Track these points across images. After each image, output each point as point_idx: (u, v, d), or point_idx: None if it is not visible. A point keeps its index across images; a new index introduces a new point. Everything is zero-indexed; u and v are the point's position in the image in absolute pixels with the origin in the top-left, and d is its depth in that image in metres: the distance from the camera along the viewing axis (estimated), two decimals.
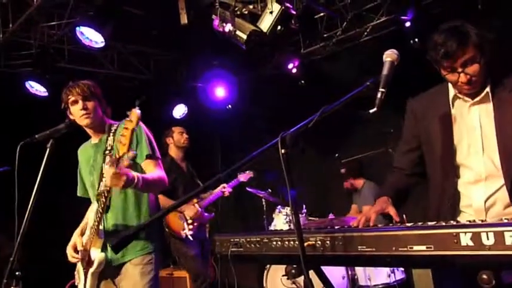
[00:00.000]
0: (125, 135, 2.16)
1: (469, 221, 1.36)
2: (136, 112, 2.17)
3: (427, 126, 2.12)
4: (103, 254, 2.47)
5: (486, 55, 1.90)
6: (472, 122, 1.99)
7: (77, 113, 2.61)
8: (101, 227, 2.48)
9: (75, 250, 2.62)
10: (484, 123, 1.97)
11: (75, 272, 2.70)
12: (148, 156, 2.57)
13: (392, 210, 1.98)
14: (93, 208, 2.57)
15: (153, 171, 2.55)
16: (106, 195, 2.39)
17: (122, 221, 2.56)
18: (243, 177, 5.17)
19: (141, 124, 2.66)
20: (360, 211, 5.74)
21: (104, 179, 2.50)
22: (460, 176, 2.01)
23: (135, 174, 2.29)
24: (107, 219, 2.55)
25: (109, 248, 2.48)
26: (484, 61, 1.89)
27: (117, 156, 2.18)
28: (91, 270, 2.49)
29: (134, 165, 2.59)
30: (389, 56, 1.72)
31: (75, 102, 2.61)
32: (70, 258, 2.63)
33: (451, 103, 2.05)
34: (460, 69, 1.89)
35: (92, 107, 2.62)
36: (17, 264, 2.25)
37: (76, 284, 2.71)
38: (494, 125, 1.93)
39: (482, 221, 1.34)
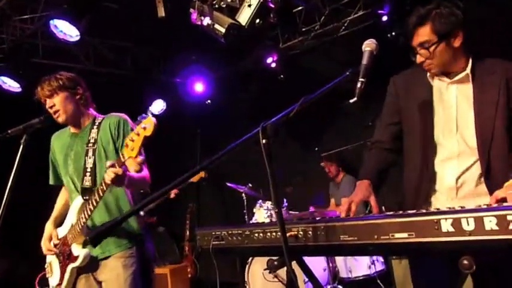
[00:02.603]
0: (135, 140, 2.12)
1: (449, 208, 1.37)
2: (153, 121, 2.08)
3: (408, 104, 2.13)
4: (88, 250, 2.43)
5: (447, 40, 1.93)
6: (449, 100, 2.03)
7: (49, 112, 2.57)
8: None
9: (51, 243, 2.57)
10: (460, 103, 2.00)
11: (46, 265, 2.65)
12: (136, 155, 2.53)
13: (373, 200, 1.97)
14: (77, 203, 2.52)
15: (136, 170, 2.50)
16: (101, 193, 2.33)
17: (107, 217, 2.51)
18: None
19: (129, 121, 2.63)
20: (337, 204, 5.80)
21: (87, 175, 2.49)
22: (436, 154, 2.04)
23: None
24: (92, 216, 2.49)
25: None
26: (443, 47, 1.93)
27: (123, 159, 2.17)
28: (73, 265, 2.45)
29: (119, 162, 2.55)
30: (369, 45, 1.72)
31: (44, 102, 2.58)
32: (45, 252, 2.59)
33: (430, 81, 2.08)
34: (417, 50, 1.97)
35: (60, 101, 2.55)
36: None
37: (47, 276, 2.66)
38: (471, 106, 1.96)
39: (461, 207, 1.35)
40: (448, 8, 1.94)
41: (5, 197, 2.33)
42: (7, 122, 2.69)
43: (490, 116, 1.93)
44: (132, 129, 2.58)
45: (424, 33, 1.94)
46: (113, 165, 2.18)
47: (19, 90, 5.45)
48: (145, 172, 2.52)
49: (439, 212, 1.31)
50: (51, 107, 2.56)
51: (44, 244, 2.59)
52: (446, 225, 1.27)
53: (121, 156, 2.18)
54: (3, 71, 5.41)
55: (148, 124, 2.05)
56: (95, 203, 2.36)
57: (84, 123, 2.66)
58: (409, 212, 1.41)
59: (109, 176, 2.18)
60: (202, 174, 5.01)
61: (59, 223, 2.66)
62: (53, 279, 2.58)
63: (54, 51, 5.82)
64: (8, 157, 2.55)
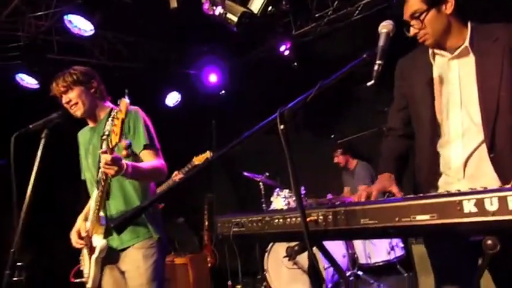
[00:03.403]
0: (116, 124, 2.16)
1: (471, 188, 1.35)
2: (124, 101, 2.13)
3: (411, 85, 2.10)
4: (105, 241, 2.46)
5: (437, 7, 1.91)
6: (451, 77, 1.97)
7: (66, 107, 2.61)
8: (101, 214, 2.46)
9: (80, 236, 2.60)
10: (463, 77, 1.94)
11: (81, 257, 2.70)
12: (145, 146, 2.53)
13: (395, 189, 1.95)
14: (94, 195, 2.56)
15: (150, 160, 2.52)
16: (103, 183, 2.38)
17: (124, 206, 2.54)
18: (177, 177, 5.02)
19: (141, 113, 2.63)
20: (353, 193, 5.77)
21: (101, 167, 2.50)
22: (440, 135, 1.99)
23: (124, 162, 2.28)
24: (109, 206, 2.53)
25: (114, 235, 2.48)
26: (434, 14, 1.91)
27: (111, 146, 2.19)
28: (93, 256, 2.49)
29: (132, 154, 2.56)
30: (385, 27, 1.70)
31: (60, 97, 2.60)
32: (74, 244, 2.62)
33: (431, 60, 2.04)
34: (410, 22, 1.96)
35: (76, 96, 2.57)
36: (18, 254, 2.25)
37: (81, 269, 2.70)
38: (474, 79, 1.90)
39: (484, 188, 1.33)
40: None
41: (29, 190, 2.38)
42: (27, 118, 2.74)
43: (494, 87, 1.86)
44: (144, 122, 2.59)
45: (414, 3, 1.93)
46: (105, 152, 2.20)
47: (37, 86, 5.53)
48: (159, 162, 2.53)
49: (462, 193, 1.30)
50: (67, 102, 2.59)
51: (72, 236, 2.63)
52: (469, 206, 1.26)
53: (109, 143, 2.20)
54: (20, 68, 5.48)
55: (122, 106, 2.13)
56: (100, 193, 2.40)
57: (100, 116, 2.68)
58: (431, 193, 1.40)
59: (102, 163, 2.21)
60: (207, 154, 4.99)
61: None
62: (85, 270, 2.64)
63: (69, 46, 5.88)
64: (25, 152, 2.58)
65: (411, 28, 1.96)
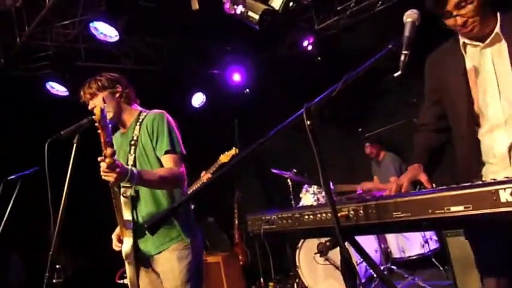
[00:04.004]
0: (99, 133, 2.18)
1: (507, 177, 1.31)
2: (97, 108, 2.15)
3: (443, 79, 2.06)
4: (129, 245, 2.48)
5: None
6: (485, 65, 1.93)
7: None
8: (126, 218, 2.49)
9: (119, 239, 2.61)
10: (497, 65, 1.90)
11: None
12: (166, 152, 2.52)
13: (423, 177, 1.93)
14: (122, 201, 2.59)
15: (168, 167, 2.51)
16: (111, 189, 2.40)
17: (155, 208, 2.55)
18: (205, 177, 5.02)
19: (166, 117, 2.61)
20: (382, 182, 5.69)
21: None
22: (481, 125, 1.95)
23: (129, 168, 2.29)
24: (140, 209, 2.55)
25: (147, 238, 2.50)
26: (481, 1, 1.83)
27: (105, 152, 2.20)
28: (124, 259, 2.52)
29: (157, 160, 2.57)
30: (410, 16, 1.66)
31: (88, 104, 2.65)
32: (114, 247, 2.64)
33: (463, 51, 1.99)
34: (455, 12, 1.86)
35: (100, 102, 2.58)
36: (56, 257, 2.32)
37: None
38: (509, 65, 1.85)
39: None
40: None
41: (64, 195, 2.44)
42: (58, 126, 2.81)
43: None
44: (169, 127, 2.57)
45: None
46: (102, 160, 2.20)
47: (66, 93, 5.69)
48: (176, 170, 2.50)
49: (497, 182, 1.26)
50: (93, 109, 2.61)
51: (113, 239, 2.65)
52: (505, 195, 1.22)
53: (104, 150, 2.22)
54: (50, 76, 5.64)
55: (96, 112, 2.15)
56: (114, 200, 2.43)
57: (128, 120, 2.70)
58: (464, 184, 1.37)
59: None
60: (233, 151, 5.00)
61: None
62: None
63: (96, 53, 6.01)
64: (57, 158, 2.65)
65: (457, 18, 1.87)
